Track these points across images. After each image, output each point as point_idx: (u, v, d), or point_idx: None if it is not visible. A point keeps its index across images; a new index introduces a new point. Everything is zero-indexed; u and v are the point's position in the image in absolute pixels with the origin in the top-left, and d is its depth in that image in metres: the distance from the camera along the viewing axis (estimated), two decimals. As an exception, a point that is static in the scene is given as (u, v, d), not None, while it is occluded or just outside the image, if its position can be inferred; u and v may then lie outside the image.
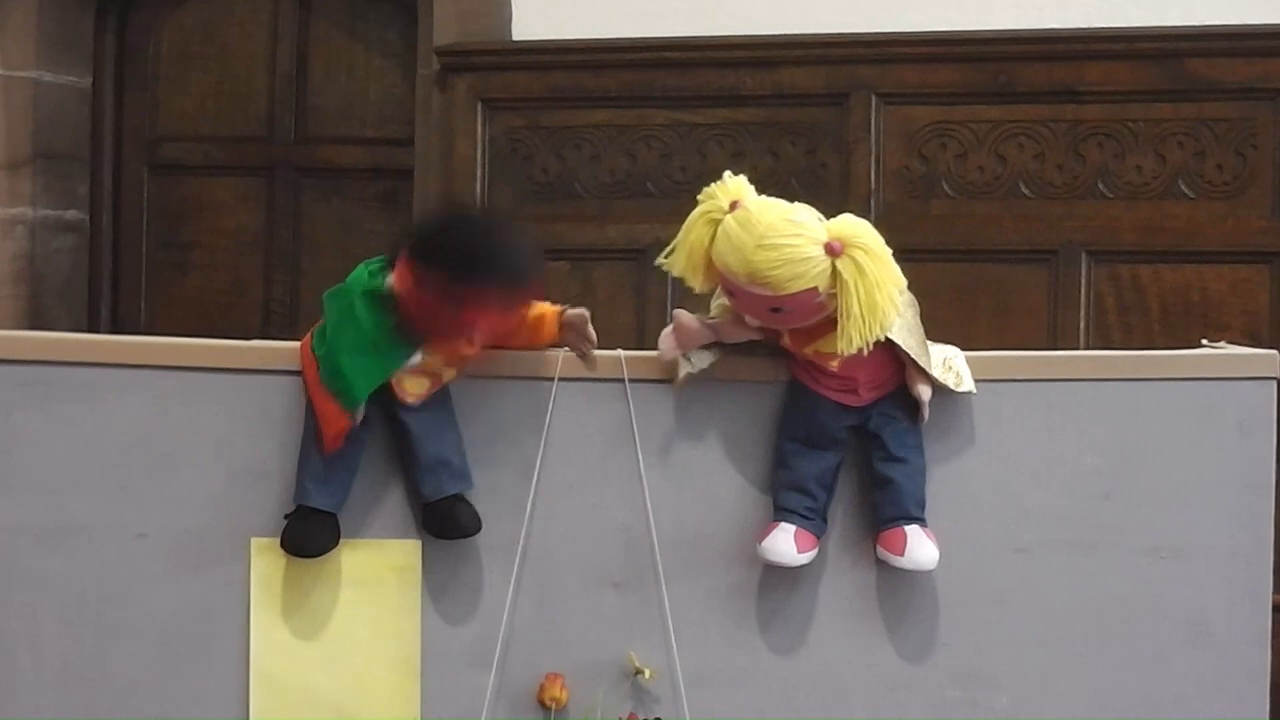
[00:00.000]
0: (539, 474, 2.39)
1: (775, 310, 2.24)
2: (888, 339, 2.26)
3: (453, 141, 4.30)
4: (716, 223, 2.25)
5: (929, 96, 4.00)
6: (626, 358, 2.40)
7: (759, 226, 2.21)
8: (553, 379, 2.39)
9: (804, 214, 2.25)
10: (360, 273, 2.30)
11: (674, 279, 2.34)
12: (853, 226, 2.23)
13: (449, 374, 2.36)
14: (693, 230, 2.28)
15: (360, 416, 2.32)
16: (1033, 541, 2.39)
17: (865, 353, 2.23)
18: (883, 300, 2.20)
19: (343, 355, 2.29)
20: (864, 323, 2.20)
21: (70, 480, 2.41)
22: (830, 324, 2.25)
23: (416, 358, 2.32)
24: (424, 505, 2.38)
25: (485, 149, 4.27)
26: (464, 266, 2.21)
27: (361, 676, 2.39)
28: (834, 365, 2.30)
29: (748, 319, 2.31)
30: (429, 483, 2.36)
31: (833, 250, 2.20)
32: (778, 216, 2.23)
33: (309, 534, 2.36)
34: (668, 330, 2.37)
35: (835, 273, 2.20)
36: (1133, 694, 2.39)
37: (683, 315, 2.36)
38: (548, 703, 2.37)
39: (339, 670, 2.40)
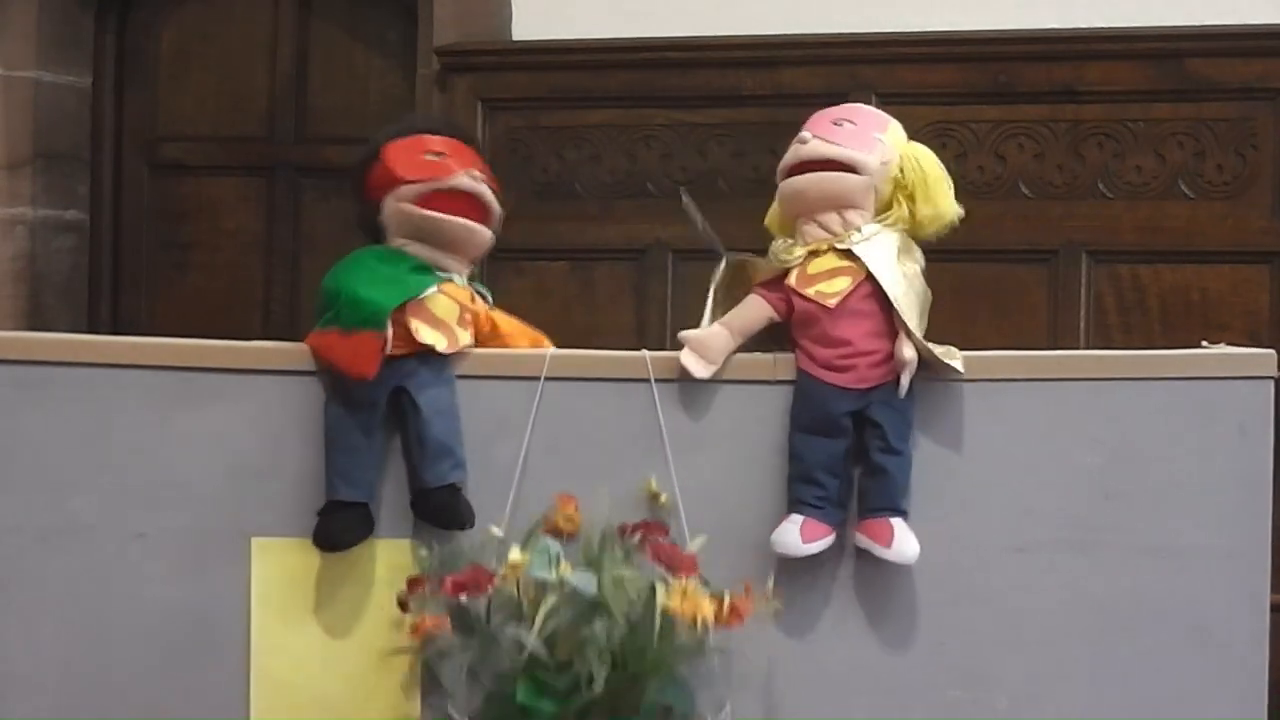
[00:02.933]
0: (521, 473, 2.38)
1: (837, 124, 2.39)
2: (887, 298, 2.32)
3: (453, 141, 4.29)
4: None
5: (929, 96, 4.00)
6: (651, 358, 2.41)
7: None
8: (540, 379, 2.40)
9: None
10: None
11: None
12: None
13: (464, 336, 2.39)
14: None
15: (389, 338, 2.32)
16: (1033, 541, 2.39)
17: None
18: (942, 188, 2.40)
19: (360, 287, 2.35)
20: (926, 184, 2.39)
21: (70, 480, 2.41)
22: (833, 272, 2.33)
23: (432, 288, 2.37)
24: (421, 491, 2.36)
25: (485, 149, 4.24)
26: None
27: (361, 676, 2.39)
28: (832, 303, 2.33)
29: (763, 301, 2.34)
30: (431, 468, 2.35)
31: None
32: None
33: (338, 527, 2.35)
34: (686, 352, 2.38)
35: (901, 159, 2.40)
36: (1132, 694, 2.39)
37: (693, 333, 2.38)
38: (561, 524, 2.34)
39: (339, 670, 2.40)
